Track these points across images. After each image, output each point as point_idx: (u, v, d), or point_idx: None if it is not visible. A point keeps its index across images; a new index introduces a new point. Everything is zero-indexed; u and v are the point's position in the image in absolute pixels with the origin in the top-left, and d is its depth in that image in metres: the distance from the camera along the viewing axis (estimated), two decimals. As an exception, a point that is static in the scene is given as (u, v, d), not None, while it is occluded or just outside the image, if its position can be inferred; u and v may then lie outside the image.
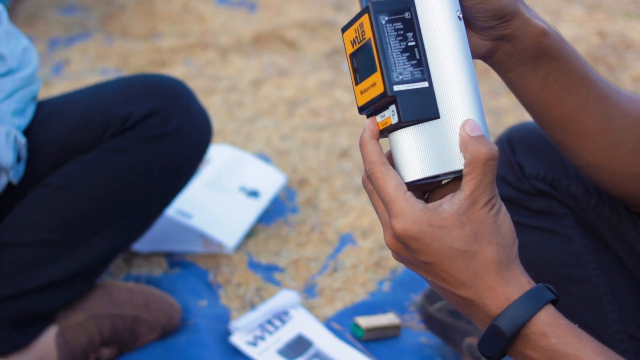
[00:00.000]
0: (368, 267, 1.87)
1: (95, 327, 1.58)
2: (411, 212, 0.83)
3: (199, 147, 1.63)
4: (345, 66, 2.77)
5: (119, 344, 1.62)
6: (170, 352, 1.63)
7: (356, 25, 0.86)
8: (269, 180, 2.07)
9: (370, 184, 0.86)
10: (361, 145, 0.87)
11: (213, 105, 2.52)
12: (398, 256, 0.88)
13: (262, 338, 1.65)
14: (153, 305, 1.63)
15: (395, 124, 0.84)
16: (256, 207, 2.00)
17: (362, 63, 0.86)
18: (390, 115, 0.84)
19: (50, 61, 2.86)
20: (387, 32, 0.84)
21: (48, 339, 1.55)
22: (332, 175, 2.18)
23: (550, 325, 0.84)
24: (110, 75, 2.69)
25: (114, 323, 1.60)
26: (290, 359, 1.62)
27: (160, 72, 2.23)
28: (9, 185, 1.52)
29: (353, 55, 0.87)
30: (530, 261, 1.32)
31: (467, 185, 0.84)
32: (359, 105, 0.88)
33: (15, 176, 1.49)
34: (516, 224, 1.33)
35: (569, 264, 1.30)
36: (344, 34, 0.87)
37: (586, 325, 1.25)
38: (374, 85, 0.85)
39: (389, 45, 0.83)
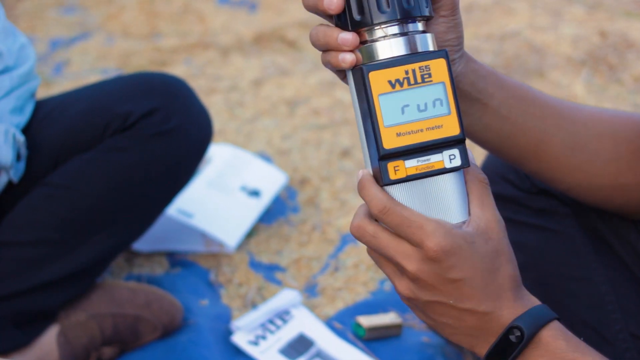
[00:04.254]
0: (369, 266, 1.87)
1: (96, 327, 1.58)
2: (446, 229, 0.84)
3: (199, 145, 1.63)
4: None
5: (121, 343, 1.62)
6: (172, 351, 1.63)
7: (409, 67, 0.85)
8: (270, 180, 2.07)
9: (387, 219, 0.85)
10: (363, 189, 0.87)
11: (214, 105, 2.52)
12: (416, 290, 0.86)
13: (263, 337, 1.65)
14: (154, 304, 1.63)
15: (449, 169, 0.86)
16: (257, 207, 1.99)
17: (412, 104, 0.85)
18: (442, 159, 0.85)
19: (51, 61, 2.86)
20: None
21: (49, 338, 1.55)
22: (333, 175, 2.18)
23: (561, 330, 0.87)
24: (111, 75, 2.69)
25: (116, 322, 1.59)
26: (292, 358, 1.62)
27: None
28: (10, 183, 1.51)
29: (384, 95, 0.85)
30: (532, 260, 1.33)
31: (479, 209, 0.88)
32: (394, 147, 0.85)
33: (15, 175, 1.49)
34: (517, 222, 1.35)
35: (571, 263, 1.30)
36: (372, 74, 0.85)
37: (588, 325, 1.26)
38: (439, 128, 0.85)
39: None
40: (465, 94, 1.01)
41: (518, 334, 0.85)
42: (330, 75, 2.69)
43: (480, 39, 2.82)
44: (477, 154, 1.99)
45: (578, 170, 1.12)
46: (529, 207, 1.33)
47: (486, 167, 1.38)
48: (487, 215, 0.87)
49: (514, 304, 0.86)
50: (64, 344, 1.55)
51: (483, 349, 0.87)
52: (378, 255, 0.88)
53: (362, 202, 0.89)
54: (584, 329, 1.26)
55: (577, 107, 1.13)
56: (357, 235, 0.87)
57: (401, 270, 0.86)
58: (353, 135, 2.36)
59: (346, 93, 2.60)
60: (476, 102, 1.03)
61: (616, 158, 1.12)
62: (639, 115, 1.15)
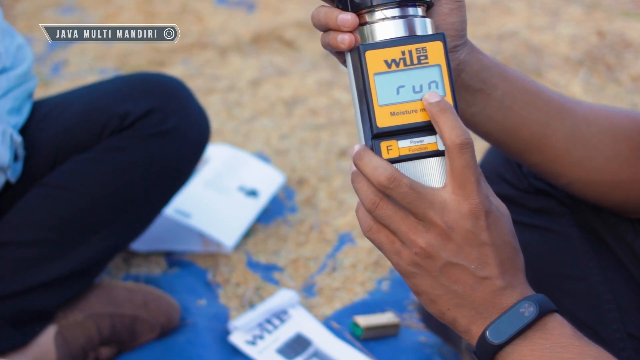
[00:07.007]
0: (367, 266, 1.87)
1: (94, 327, 1.58)
2: (487, 191, 0.86)
3: (197, 146, 1.63)
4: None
5: (118, 343, 1.62)
6: (169, 351, 1.63)
7: (405, 48, 0.86)
8: (268, 180, 2.07)
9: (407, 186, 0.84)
10: (369, 155, 0.86)
11: (212, 104, 2.52)
12: (441, 246, 0.85)
13: (261, 337, 1.65)
14: (152, 304, 1.63)
15: (443, 151, 0.86)
16: (255, 207, 2.00)
17: (408, 85, 0.86)
18: (436, 141, 0.86)
19: (50, 61, 2.86)
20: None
21: (47, 338, 1.55)
22: (331, 175, 2.18)
23: (565, 320, 0.87)
24: (109, 75, 2.69)
25: (113, 322, 1.59)
26: (289, 358, 1.62)
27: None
28: (7, 184, 1.52)
29: (379, 75, 0.86)
30: (529, 260, 1.32)
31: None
32: (387, 126, 0.85)
33: (13, 175, 1.49)
34: (515, 222, 1.34)
35: (568, 263, 1.30)
36: (368, 53, 0.85)
37: (585, 324, 1.26)
38: None
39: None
40: (468, 84, 1.01)
41: (531, 308, 0.84)
42: (328, 75, 2.69)
43: (478, 39, 2.82)
44: (476, 151, 1.99)
45: (578, 165, 1.12)
46: (526, 206, 1.33)
47: (484, 166, 1.38)
48: (499, 202, 0.87)
49: (526, 286, 0.87)
50: (61, 344, 1.55)
51: (480, 328, 0.86)
52: (396, 210, 0.85)
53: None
54: (581, 328, 1.25)
55: (578, 102, 1.13)
56: (390, 185, 0.83)
57: (430, 222, 0.84)
58: (351, 135, 2.36)
59: (344, 93, 2.60)
60: (479, 92, 1.03)
61: (616, 155, 1.12)
62: (638, 113, 1.16)
